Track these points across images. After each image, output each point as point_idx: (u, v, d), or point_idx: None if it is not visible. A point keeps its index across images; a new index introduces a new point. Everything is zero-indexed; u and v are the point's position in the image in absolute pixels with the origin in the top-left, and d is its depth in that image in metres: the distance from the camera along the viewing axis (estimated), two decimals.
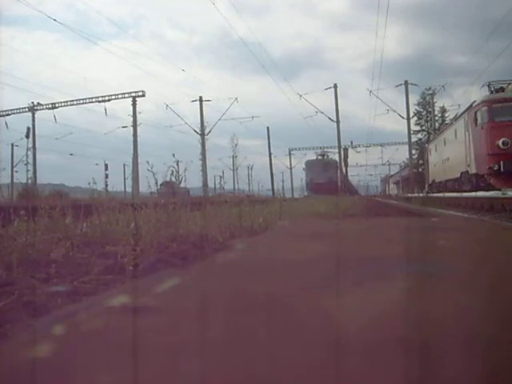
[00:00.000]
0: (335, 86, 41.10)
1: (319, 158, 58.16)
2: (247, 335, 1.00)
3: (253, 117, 44.36)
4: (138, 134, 36.55)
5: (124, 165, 45.39)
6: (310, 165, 56.13)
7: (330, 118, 41.07)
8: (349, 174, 50.89)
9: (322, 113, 45.94)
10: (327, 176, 51.11)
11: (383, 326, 1.08)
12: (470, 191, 20.06)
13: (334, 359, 0.87)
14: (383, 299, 1.34)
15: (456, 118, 27.64)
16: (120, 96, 36.22)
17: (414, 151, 45.67)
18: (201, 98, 42.65)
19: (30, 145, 35.99)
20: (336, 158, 48.08)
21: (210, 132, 41.21)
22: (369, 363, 0.85)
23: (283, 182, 57.27)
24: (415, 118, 48.95)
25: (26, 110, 36.87)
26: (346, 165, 46.43)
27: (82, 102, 36.37)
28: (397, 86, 40.95)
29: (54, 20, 38.21)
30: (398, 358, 0.89)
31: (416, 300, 1.36)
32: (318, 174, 52.43)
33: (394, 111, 40.49)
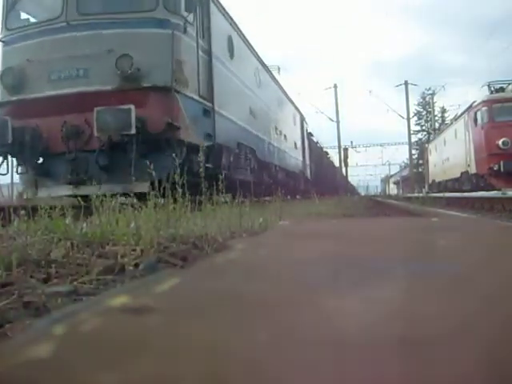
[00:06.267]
0: (335, 86, 41.06)
1: None
2: (247, 335, 0.99)
3: None
4: None
5: None
6: None
7: (329, 118, 41.03)
8: (349, 174, 50.16)
9: (321, 113, 43.73)
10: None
11: (384, 327, 1.08)
12: (470, 191, 20.09)
13: (332, 362, 0.87)
14: (384, 300, 1.34)
15: (456, 118, 27.66)
16: None
17: (414, 151, 45.65)
18: None
19: None
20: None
21: None
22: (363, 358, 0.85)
23: None
24: (415, 118, 48.93)
25: None
26: (346, 165, 46.24)
27: None
28: (397, 86, 41.01)
29: None
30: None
31: (417, 298, 1.36)
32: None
33: (394, 111, 40.56)
